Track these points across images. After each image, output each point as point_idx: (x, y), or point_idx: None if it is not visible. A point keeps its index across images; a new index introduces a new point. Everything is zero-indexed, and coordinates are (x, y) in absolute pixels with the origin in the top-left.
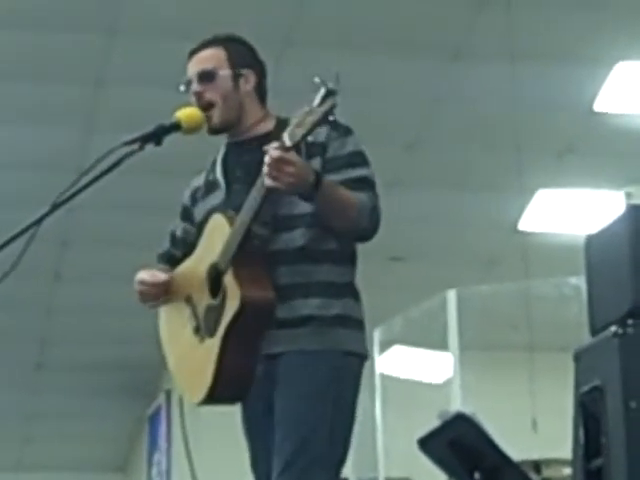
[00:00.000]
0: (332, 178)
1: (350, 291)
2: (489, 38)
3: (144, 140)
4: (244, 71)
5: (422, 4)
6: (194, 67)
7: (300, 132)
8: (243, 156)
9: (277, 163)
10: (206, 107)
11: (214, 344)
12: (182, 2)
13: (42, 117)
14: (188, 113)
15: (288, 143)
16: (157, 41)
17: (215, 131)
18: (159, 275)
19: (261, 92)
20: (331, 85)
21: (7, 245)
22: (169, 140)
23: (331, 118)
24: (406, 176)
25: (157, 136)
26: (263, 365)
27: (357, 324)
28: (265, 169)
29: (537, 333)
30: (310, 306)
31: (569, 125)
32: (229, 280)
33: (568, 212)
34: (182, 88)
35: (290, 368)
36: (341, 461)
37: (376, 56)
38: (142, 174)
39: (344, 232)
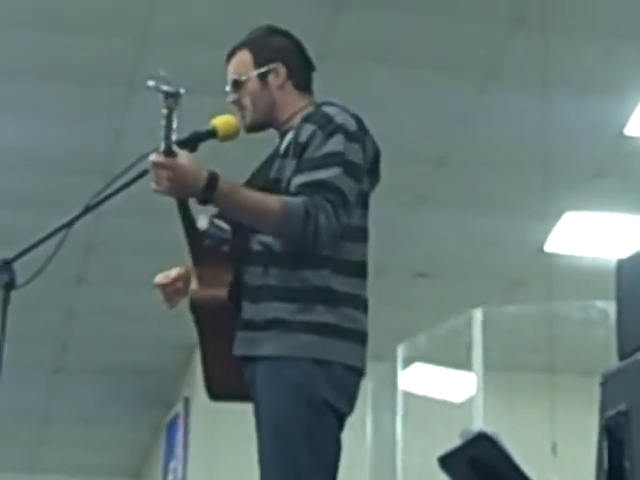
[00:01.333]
0: (295, 181)
1: (326, 296)
2: (522, 60)
3: (179, 146)
4: (272, 65)
5: (457, 22)
6: (229, 75)
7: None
8: (271, 154)
9: (154, 167)
10: (241, 110)
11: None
12: (214, 9)
13: (74, 119)
14: (224, 120)
15: (161, 147)
16: (188, 47)
17: (250, 131)
18: (171, 273)
19: (299, 80)
20: (165, 88)
21: (37, 246)
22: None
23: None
24: (434, 193)
25: (192, 143)
26: (245, 369)
27: (338, 331)
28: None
29: (561, 356)
30: (276, 309)
31: (598, 149)
32: (193, 281)
33: (596, 235)
34: (227, 89)
35: (261, 376)
36: (332, 465)
37: (409, 72)
38: None
39: (273, 237)
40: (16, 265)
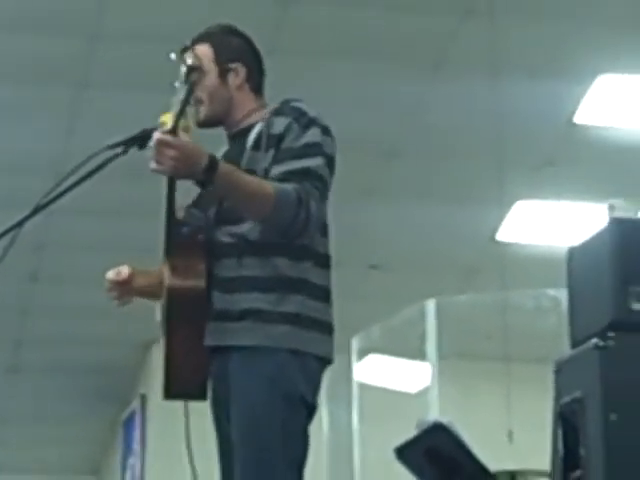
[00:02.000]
0: (276, 169)
1: (303, 287)
2: (471, 49)
3: (128, 144)
4: (233, 65)
5: (405, 13)
6: (183, 67)
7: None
8: (231, 149)
9: (158, 146)
10: (195, 104)
11: (164, 339)
12: (164, 6)
13: (24, 119)
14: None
15: (168, 126)
16: (139, 44)
17: (202, 125)
18: (122, 270)
19: (254, 83)
20: (190, 61)
21: None
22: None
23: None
24: (385, 185)
25: (141, 140)
26: (215, 362)
27: (312, 323)
28: (150, 153)
29: (514, 344)
30: (253, 300)
31: (549, 137)
32: (165, 270)
33: (547, 224)
34: (177, 85)
35: (236, 367)
36: (301, 461)
37: (358, 64)
38: (117, 178)
39: (262, 224)
40: None
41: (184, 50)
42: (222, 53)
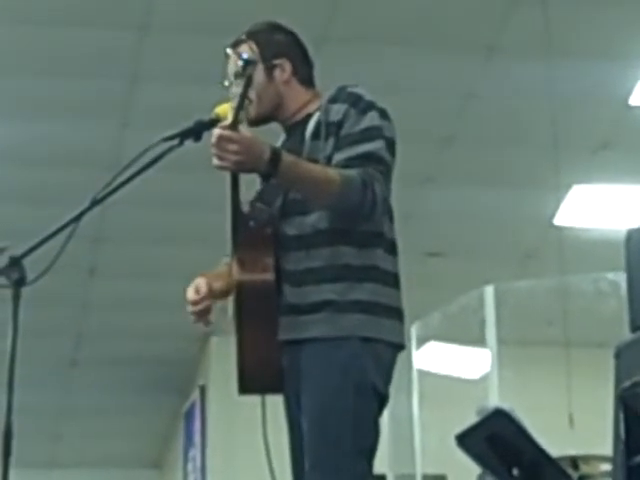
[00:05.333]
0: (337, 157)
1: (373, 275)
2: (524, 33)
3: (184, 136)
4: (278, 61)
5: (456, 0)
6: (230, 67)
7: (234, 105)
8: (287, 142)
9: (219, 142)
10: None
11: (236, 334)
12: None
13: (78, 113)
14: (226, 109)
15: (227, 120)
16: (190, 37)
17: (253, 124)
18: (201, 287)
19: (302, 76)
20: (246, 55)
21: (46, 242)
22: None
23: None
24: (442, 172)
25: (197, 132)
26: (287, 355)
27: (384, 310)
28: (211, 150)
29: (574, 329)
30: (324, 291)
31: (604, 120)
32: (233, 266)
33: (604, 208)
34: (226, 83)
35: (309, 359)
36: (371, 450)
37: (411, 52)
38: (176, 170)
39: (329, 210)
40: (26, 261)
41: (232, 47)
42: (267, 50)
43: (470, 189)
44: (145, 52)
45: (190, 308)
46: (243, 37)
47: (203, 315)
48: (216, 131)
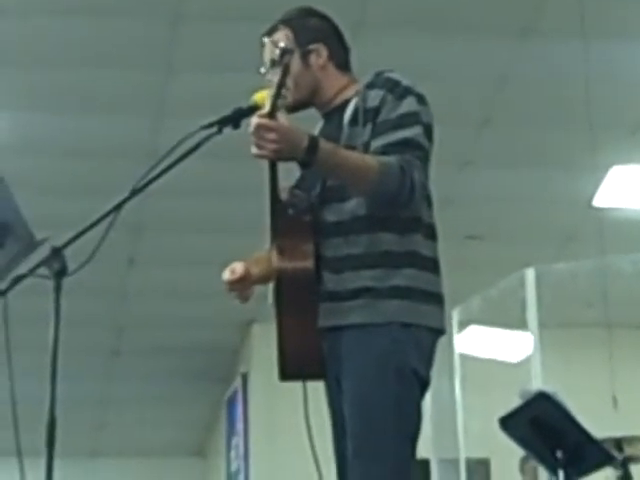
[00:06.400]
0: (375, 143)
1: (412, 260)
2: (559, 14)
3: (222, 123)
4: (313, 46)
5: None
6: (266, 55)
7: (271, 93)
8: (327, 127)
9: (257, 131)
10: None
11: (276, 321)
12: None
13: (113, 104)
14: (265, 96)
15: (265, 109)
16: (224, 24)
17: (291, 110)
18: (236, 268)
19: (339, 60)
20: (282, 44)
21: (86, 232)
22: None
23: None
24: (479, 155)
25: (235, 119)
26: (327, 341)
27: (424, 295)
28: (250, 138)
29: (615, 309)
30: (363, 278)
31: None
32: (272, 253)
33: None
34: (263, 71)
35: (349, 345)
36: (414, 435)
37: (445, 36)
38: (215, 158)
39: (368, 197)
40: (66, 251)
41: (267, 35)
42: (302, 36)
43: (508, 172)
44: (180, 41)
45: (226, 288)
46: (277, 24)
47: (242, 295)
48: (254, 120)
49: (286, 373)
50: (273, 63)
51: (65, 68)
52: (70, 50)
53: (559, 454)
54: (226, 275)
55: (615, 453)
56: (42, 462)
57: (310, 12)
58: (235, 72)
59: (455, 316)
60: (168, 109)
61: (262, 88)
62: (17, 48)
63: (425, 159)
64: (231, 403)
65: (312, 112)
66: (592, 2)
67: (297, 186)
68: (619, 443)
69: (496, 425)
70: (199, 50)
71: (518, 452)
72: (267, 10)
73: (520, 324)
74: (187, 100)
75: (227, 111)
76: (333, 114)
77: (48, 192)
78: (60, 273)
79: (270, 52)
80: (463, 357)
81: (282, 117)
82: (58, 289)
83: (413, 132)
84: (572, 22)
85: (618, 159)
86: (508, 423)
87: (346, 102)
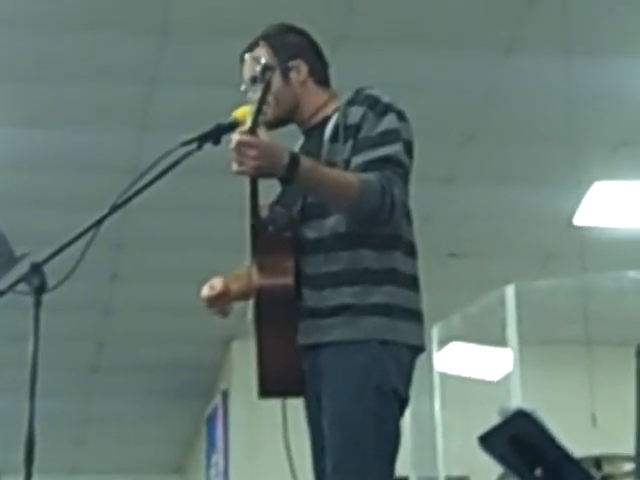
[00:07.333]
0: (356, 160)
1: (392, 278)
2: (543, 30)
3: (202, 140)
4: (294, 62)
5: None
6: (246, 72)
7: (253, 110)
8: (308, 143)
9: (239, 147)
10: None
11: (256, 338)
12: (233, 2)
13: (96, 118)
14: (245, 112)
15: (246, 125)
16: (207, 40)
17: (271, 127)
18: (215, 285)
19: (319, 76)
20: (264, 61)
21: (67, 248)
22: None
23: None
24: (460, 172)
25: (216, 135)
26: (307, 358)
27: (403, 312)
28: (232, 155)
29: (596, 327)
30: (343, 295)
31: (624, 115)
32: (252, 270)
33: (625, 205)
34: (243, 88)
35: (329, 362)
36: (393, 453)
37: (428, 51)
38: (196, 174)
39: (348, 215)
40: (48, 266)
41: (246, 52)
42: (282, 53)
43: (489, 189)
44: (162, 55)
45: (205, 304)
46: (257, 40)
47: (222, 311)
48: (235, 136)
49: (266, 390)
50: (254, 80)
51: (46, 82)
52: (52, 65)
53: (538, 472)
54: (205, 291)
55: (594, 472)
56: (21, 479)
57: (289, 28)
58: (218, 87)
59: (435, 333)
60: (150, 124)
61: (242, 104)
62: None
63: (405, 176)
64: (211, 420)
65: (292, 128)
66: (576, 18)
67: (277, 202)
68: (598, 461)
69: (475, 443)
70: (182, 65)
71: (497, 470)
72: (249, 26)
73: (500, 342)
74: (169, 115)
75: (208, 127)
76: (313, 130)
77: (28, 206)
78: (39, 289)
79: (250, 69)
80: (443, 375)
81: (263, 134)
82: (37, 305)
83: (394, 149)
84: (555, 38)
85: (600, 175)
86: (487, 441)
87: (326, 118)
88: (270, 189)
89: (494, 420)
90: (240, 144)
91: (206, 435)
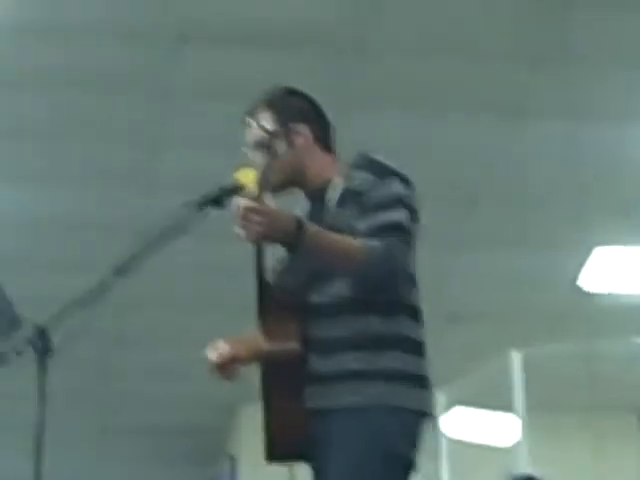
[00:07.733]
0: (360, 226)
1: (398, 343)
2: (547, 96)
3: (205, 203)
4: (297, 126)
5: (479, 63)
6: (249, 136)
7: (259, 177)
8: (312, 208)
9: (244, 213)
10: None
11: (263, 403)
12: (234, 65)
13: (100, 182)
14: (247, 174)
15: (250, 190)
16: (210, 103)
17: (275, 191)
18: (223, 350)
19: (321, 140)
20: (269, 127)
21: (71, 311)
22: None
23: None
24: (464, 235)
25: (219, 198)
26: (314, 423)
27: (410, 378)
28: (236, 220)
29: (603, 393)
30: (349, 360)
31: (628, 181)
32: (259, 334)
33: (628, 270)
34: (244, 149)
35: (336, 428)
36: None
37: (433, 116)
38: (200, 237)
39: (353, 280)
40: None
41: (248, 115)
42: (285, 116)
43: (494, 253)
44: (167, 118)
45: (213, 368)
46: (259, 104)
47: (228, 377)
48: (241, 202)
49: (272, 455)
50: (258, 145)
51: (47, 142)
52: (56, 126)
53: None
54: (213, 356)
55: None
56: None
57: (291, 91)
58: (219, 149)
59: (441, 398)
60: (155, 186)
61: (244, 166)
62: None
63: (410, 242)
64: None
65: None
66: (579, 83)
67: (283, 267)
68: None
69: None
70: (185, 128)
71: None
72: (249, 89)
73: (507, 406)
74: (175, 177)
75: (211, 190)
76: (317, 194)
77: (31, 268)
78: (44, 352)
79: (253, 133)
80: (449, 440)
81: (269, 199)
82: (43, 368)
83: (398, 215)
84: (559, 103)
85: (603, 240)
86: None
87: (329, 182)
88: (277, 251)
89: None
90: (246, 210)
91: None
